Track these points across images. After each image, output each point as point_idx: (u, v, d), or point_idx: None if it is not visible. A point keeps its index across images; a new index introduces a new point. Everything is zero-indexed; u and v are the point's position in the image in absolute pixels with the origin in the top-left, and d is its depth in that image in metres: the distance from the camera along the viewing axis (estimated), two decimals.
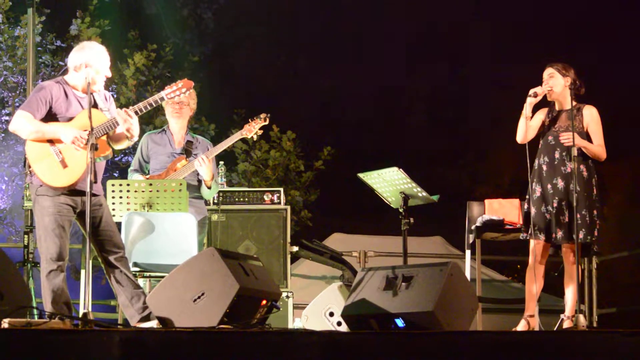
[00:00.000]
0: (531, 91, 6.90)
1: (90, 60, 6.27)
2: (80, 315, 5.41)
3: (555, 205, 6.82)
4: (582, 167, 6.82)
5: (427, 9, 20.00)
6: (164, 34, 16.30)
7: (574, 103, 6.89)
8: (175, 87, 6.54)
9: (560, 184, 6.84)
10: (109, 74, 6.37)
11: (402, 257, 7.29)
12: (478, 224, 7.88)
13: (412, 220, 7.23)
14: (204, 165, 7.42)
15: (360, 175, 7.29)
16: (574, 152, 6.58)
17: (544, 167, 6.92)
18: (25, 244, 8.08)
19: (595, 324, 9.66)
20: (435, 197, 7.26)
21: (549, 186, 6.87)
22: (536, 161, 6.98)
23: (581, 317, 6.10)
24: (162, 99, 6.48)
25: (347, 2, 19.46)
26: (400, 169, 7.06)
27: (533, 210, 6.91)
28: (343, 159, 16.14)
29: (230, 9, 17.75)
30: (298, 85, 19.25)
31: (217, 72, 17.51)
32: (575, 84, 6.90)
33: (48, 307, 6.00)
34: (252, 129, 7.78)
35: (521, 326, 6.86)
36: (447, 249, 11.70)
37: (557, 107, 7.02)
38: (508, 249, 13.14)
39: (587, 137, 6.87)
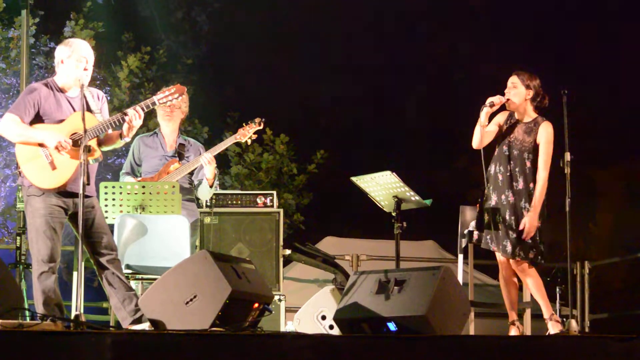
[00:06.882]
0: (488, 101, 6.84)
1: (73, 53, 6.25)
2: (72, 317, 5.39)
3: (506, 218, 6.79)
4: (531, 185, 6.79)
5: (421, 11, 20.01)
6: (158, 36, 16.28)
7: (534, 116, 6.87)
8: (168, 92, 6.48)
9: (511, 198, 6.80)
10: (90, 68, 6.31)
11: (394, 261, 7.29)
12: (471, 228, 7.87)
13: (404, 224, 7.21)
14: (210, 164, 7.45)
15: (353, 178, 7.28)
16: (567, 157, 6.51)
17: (499, 177, 6.90)
18: (18, 245, 8.06)
19: (587, 329, 9.68)
20: (428, 201, 7.25)
21: (503, 197, 6.85)
22: (492, 167, 6.96)
23: (573, 323, 6.10)
24: (154, 103, 6.43)
25: (341, 5, 19.46)
26: (393, 173, 7.05)
27: (486, 217, 6.91)
28: (336, 162, 16.14)
29: (225, 12, 17.74)
30: (291, 89, 19.23)
31: (210, 74, 17.50)
32: (537, 96, 6.88)
33: (40, 309, 5.99)
34: (247, 134, 7.77)
35: (513, 332, 6.87)
36: (439, 253, 11.71)
37: (516, 117, 6.97)
38: None
39: (535, 151, 6.81)
